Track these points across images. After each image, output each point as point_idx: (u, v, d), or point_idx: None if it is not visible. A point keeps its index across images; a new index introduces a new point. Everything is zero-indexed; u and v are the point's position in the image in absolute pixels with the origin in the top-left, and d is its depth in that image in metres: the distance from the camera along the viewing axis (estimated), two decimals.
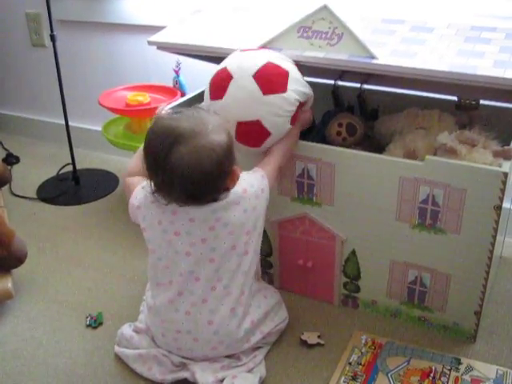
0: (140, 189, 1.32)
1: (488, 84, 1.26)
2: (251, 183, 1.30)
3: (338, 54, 1.38)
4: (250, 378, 1.31)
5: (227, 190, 1.25)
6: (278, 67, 1.32)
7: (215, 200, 1.24)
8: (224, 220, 1.25)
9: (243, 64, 1.33)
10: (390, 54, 1.36)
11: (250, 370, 1.34)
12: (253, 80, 1.30)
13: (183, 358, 1.35)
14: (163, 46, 1.61)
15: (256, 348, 1.39)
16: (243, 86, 1.30)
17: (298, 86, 1.34)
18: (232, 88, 1.31)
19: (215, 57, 1.54)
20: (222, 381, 1.30)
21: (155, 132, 1.20)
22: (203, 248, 1.27)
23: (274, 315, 1.43)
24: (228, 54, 1.44)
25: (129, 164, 1.46)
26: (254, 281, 1.38)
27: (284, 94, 1.30)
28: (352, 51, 1.37)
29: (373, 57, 1.34)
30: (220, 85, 1.33)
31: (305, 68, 1.45)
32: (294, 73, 1.34)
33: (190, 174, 1.17)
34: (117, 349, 1.43)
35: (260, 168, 1.34)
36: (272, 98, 1.30)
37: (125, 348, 1.42)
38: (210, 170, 1.18)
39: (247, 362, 1.35)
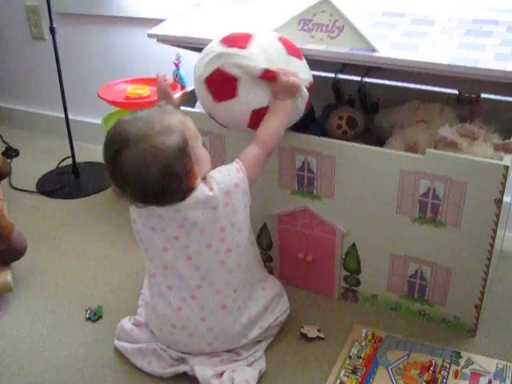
0: None
1: (489, 77, 1.25)
2: (221, 180, 1.25)
3: (339, 47, 1.37)
4: (250, 372, 1.31)
5: (190, 189, 1.21)
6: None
7: (180, 200, 1.21)
8: (192, 219, 1.23)
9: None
10: (390, 46, 1.35)
11: (249, 364, 1.34)
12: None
13: (181, 352, 1.35)
14: (163, 39, 1.60)
15: (256, 342, 1.39)
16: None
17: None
18: None
19: None
20: (221, 374, 1.30)
21: (107, 137, 1.20)
22: (177, 245, 1.26)
23: (274, 308, 1.42)
24: None
25: None
26: (251, 275, 1.37)
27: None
28: (353, 44, 1.36)
29: (373, 50, 1.34)
30: None
31: (306, 58, 1.45)
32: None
33: (136, 178, 1.16)
34: (116, 342, 1.43)
35: (239, 159, 1.30)
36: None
37: (124, 342, 1.42)
38: (157, 173, 1.15)
39: (247, 356, 1.35)
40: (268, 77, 1.27)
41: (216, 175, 1.27)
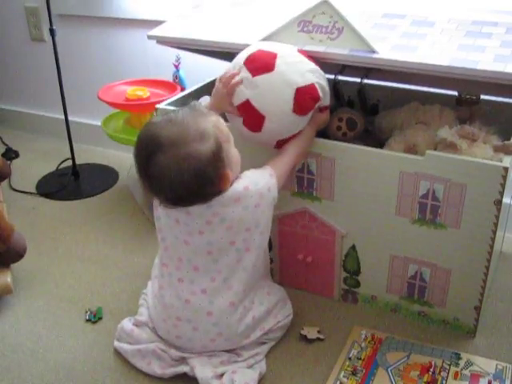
0: None
1: (489, 79, 1.25)
2: (256, 181, 1.28)
3: (339, 49, 1.37)
4: (250, 374, 1.31)
5: (220, 192, 1.23)
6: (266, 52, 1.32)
7: (209, 200, 1.23)
8: (221, 215, 1.25)
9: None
10: (390, 48, 1.35)
11: (249, 366, 1.34)
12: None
13: (182, 351, 1.35)
14: (163, 40, 1.60)
15: (258, 344, 1.39)
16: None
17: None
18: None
19: (215, 51, 1.54)
20: (221, 376, 1.30)
21: (139, 140, 1.21)
22: (200, 240, 1.27)
23: (277, 312, 1.42)
24: (227, 48, 1.45)
25: None
26: (259, 278, 1.38)
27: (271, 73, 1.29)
28: (352, 45, 1.36)
29: (373, 51, 1.34)
30: None
31: None
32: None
33: (169, 184, 1.17)
34: (116, 344, 1.43)
35: (270, 166, 1.33)
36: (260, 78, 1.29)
37: (125, 343, 1.41)
38: (190, 179, 1.16)
39: (247, 358, 1.35)
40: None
41: (252, 175, 1.29)
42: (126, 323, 1.44)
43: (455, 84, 1.45)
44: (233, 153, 1.26)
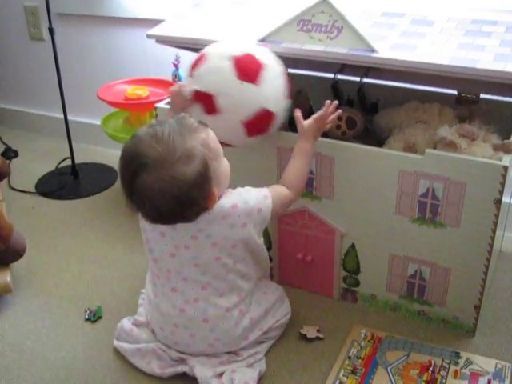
0: None
1: (488, 78, 1.25)
2: (246, 200, 1.25)
3: (338, 48, 1.37)
4: (249, 373, 1.31)
5: (206, 209, 1.20)
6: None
7: (191, 220, 1.20)
8: (206, 232, 1.23)
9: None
10: (390, 47, 1.35)
11: (249, 365, 1.34)
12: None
13: (181, 353, 1.35)
14: (162, 40, 1.60)
15: (257, 343, 1.39)
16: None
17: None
18: None
19: None
20: (220, 375, 1.30)
21: (124, 156, 1.16)
22: (186, 254, 1.26)
23: (275, 312, 1.42)
24: None
25: None
26: (255, 283, 1.37)
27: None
28: (352, 44, 1.36)
29: (373, 50, 1.34)
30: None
31: (304, 61, 1.45)
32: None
33: (152, 203, 1.14)
34: (116, 343, 1.43)
35: (268, 188, 1.30)
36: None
37: (124, 342, 1.41)
38: (173, 202, 1.13)
39: (247, 357, 1.35)
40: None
41: (244, 193, 1.26)
42: (126, 323, 1.44)
43: (455, 83, 1.45)
44: (222, 168, 1.22)
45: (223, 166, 1.23)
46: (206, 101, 1.29)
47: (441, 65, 1.28)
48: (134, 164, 1.13)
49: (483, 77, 1.25)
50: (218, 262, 1.27)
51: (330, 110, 1.36)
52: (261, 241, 1.33)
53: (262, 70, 1.29)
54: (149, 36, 1.60)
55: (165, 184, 1.11)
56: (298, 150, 1.35)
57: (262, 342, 1.40)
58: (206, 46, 1.42)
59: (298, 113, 1.35)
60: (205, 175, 1.14)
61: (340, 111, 1.39)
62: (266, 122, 1.33)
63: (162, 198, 1.12)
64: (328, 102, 1.37)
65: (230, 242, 1.25)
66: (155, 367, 1.34)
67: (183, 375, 1.33)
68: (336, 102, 1.37)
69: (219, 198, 1.23)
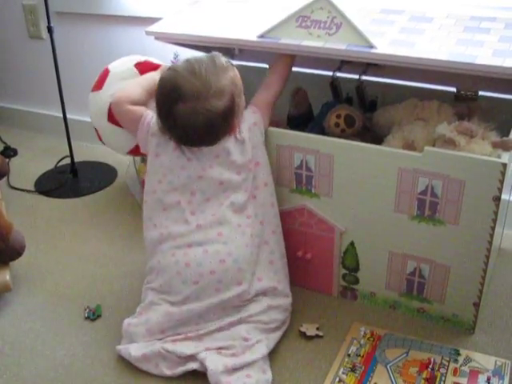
0: (152, 118, 1.46)
1: (487, 73, 1.25)
2: (245, 120, 1.43)
3: (337, 44, 1.37)
4: (263, 381, 1.30)
5: (227, 135, 1.40)
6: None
7: (214, 144, 1.39)
8: (227, 149, 1.39)
9: None
10: (388, 43, 1.35)
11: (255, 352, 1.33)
12: None
13: (185, 346, 1.34)
14: (161, 36, 1.60)
15: (262, 330, 1.38)
16: None
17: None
18: None
19: (213, 47, 1.54)
20: (232, 370, 1.29)
21: (163, 85, 1.36)
22: (212, 172, 1.40)
23: (279, 279, 1.45)
24: (225, 44, 1.48)
25: (127, 89, 1.54)
26: (269, 222, 1.46)
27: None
28: (351, 41, 1.36)
29: (371, 46, 1.33)
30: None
31: (303, 58, 1.45)
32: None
33: (186, 129, 1.35)
34: (120, 348, 1.39)
35: (252, 104, 1.47)
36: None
37: (128, 344, 1.39)
38: (205, 129, 1.34)
39: (255, 342, 1.34)
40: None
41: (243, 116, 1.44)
42: (127, 321, 1.43)
43: (453, 80, 1.45)
44: (242, 103, 1.41)
45: (243, 101, 1.42)
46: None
47: (440, 60, 1.28)
48: (173, 94, 1.33)
49: (482, 72, 1.25)
50: (238, 176, 1.40)
51: None
52: (266, 158, 1.46)
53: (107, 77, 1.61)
54: (148, 33, 1.60)
55: (199, 115, 1.32)
56: (276, 64, 1.53)
57: (266, 330, 1.39)
58: (204, 42, 1.44)
59: None
60: (232, 109, 1.36)
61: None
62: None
63: (195, 126, 1.34)
64: None
65: (244, 156, 1.41)
66: (164, 369, 1.33)
67: (189, 375, 1.33)
68: None
69: None
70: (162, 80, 1.37)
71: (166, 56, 2.07)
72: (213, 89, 1.32)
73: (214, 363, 1.29)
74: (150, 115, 1.47)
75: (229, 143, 1.40)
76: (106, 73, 1.64)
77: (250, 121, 1.44)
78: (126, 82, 1.56)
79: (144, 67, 1.60)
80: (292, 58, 1.51)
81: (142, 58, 1.64)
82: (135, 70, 1.61)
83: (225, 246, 1.36)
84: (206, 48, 1.60)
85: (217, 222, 1.38)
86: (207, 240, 1.37)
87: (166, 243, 1.40)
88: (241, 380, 1.27)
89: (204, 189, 1.41)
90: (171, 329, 1.37)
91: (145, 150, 1.50)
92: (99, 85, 1.63)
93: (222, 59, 1.38)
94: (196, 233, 1.38)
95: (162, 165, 1.43)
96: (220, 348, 1.34)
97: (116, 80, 1.60)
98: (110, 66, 1.66)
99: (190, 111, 1.32)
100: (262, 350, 1.34)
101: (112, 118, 1.58)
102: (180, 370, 1.33)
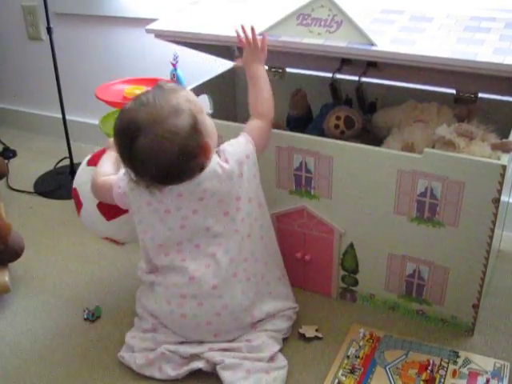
0: (120, 178, 1.36)
1: (488, 71, 1.24)
2: (233, 152, 1.31)
3: (338, 42, 1.36)
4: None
5: (203, 166, 1.27)
6: None
7: (198, 173, 1.27)
8: (211, 190, 1.28)
9: None
10: (389, 41, 1.34)
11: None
12: None
13: (190, 345, 1.35)
14: (161, 34, 1.59)
15: (267, 337, 1.37)
16: None
17: None
18: None
19: (213, 46, 1.54)
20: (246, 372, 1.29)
21: (117, 128, 1.24)
22: (196, 219, 1.30)
23: (280, 300, 1.44)
24: (226, 42, 1.49)
25: (98, 170, 1.46)
26: (263, 248, 1.40)
27: None
28: (351, 38, 1.35)
29: (372, 44, 1.33)
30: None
31: (303, 58, 1.44)
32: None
33: (154, 163, 1.22)
34: (122, 355, 1.39)
35: (246, 132, 1.37)
36: None
37: (131, 353, 1.38)
38: (173, 156, 1.21)
39: (260, 342, 1.34)
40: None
41: (228, 148, 1.32)
42: (129, 335, 1.42)
43: (453, 81, 1.45)
44: (208, 123, 1.29)
45: (209, 121, 1.31)
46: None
47: (441, 58, 1.27)
48: (129, 131, 1.21)
49: (483, 70, 1.24)
50: (226, 218, 1.31)
51: (254, 39, 1.39)
52: (258, 190, 1.39)
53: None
54: (148, 30, 1.59)
55: (161, 140, 1.20)
56: (249, 78, 1.42)
57: (269, 336, 1.38)
58: (204, 40, 1.46)
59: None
60: (195, 126, 1.23)
61: None
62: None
63: (163, 155, 1.21)
64: (252, 28, 1.40)
65: (233, 194, 1.31)
66: (168, 371, 1.32)
67: (191, 376, 1.33)
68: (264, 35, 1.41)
69: (212, 154, 1.29)
70: (116, 124, 1.25)
71: (166, 57, 2.07)
72: (166, 109, 1.21)
73: (221, 358, 1.30)
74: (122, 175, 1.37)
75: (211, 181, 1.28)
76: (75, 193, 1.56)
77: (242, 153, 1.32)
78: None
79: (95, 158, 1.53)
80: (263, 64, 1.42)
81: (88, 156, 1.58)
82: (90, 167, 1.52)
83: (220, 300, 1.32)
84: (206, 48, 1.60)
85: (211, 275, 1.31)
86: (201, 293, 1.31)
87: (160, 287, 1.36)
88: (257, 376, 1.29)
89: (190, 237, 1.32)
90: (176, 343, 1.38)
91: (125, 207, 1.40)
92: (79, 207, 1.56)
93: (170, 84, 1.30)
94: (189, 285, 1.31)
95: (141, 222, 1.35)
96: (224, 349, 1.34)
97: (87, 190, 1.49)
98: (75, 185, 1.57)
99: (152, 141, 1.19)
100: (272, 348, 1.35)
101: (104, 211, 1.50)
102: (185, 369, 1.32)
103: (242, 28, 1.40)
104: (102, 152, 1.49)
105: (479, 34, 1.34)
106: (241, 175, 1.31)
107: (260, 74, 1.40)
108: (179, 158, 1.21)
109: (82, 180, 1.53)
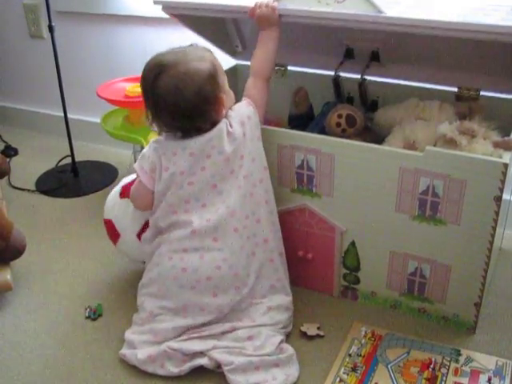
0: (139, 162, 1.43)
1: (498, 35, 1.23)
2: (235, 115, 1.41)
3: (346, 11, 1.36)
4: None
5: (215, 120, 1.37)
6: None
7: (208, 129, 1.37)
8: (218, 148, 1.36)
9: None
10: (398, 13, 1.34)
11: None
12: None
13: (191, 343, 1.34)
14: (168, 6, 1.59)
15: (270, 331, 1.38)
16: None
17: None
18: None
19: (217, 34, 1.52)
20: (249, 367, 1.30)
21: (145, 67, 1.37)
22: (203, 175, 1.37)
23: (278, 293, 1.44)
24: (234, 12, 1.52)
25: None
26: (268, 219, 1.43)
27: None
28: (360, 9, 1.34)
29: (380, 11, 1.32)
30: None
31: (306, 54, 1.42)
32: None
33: (172, 98, 1.33)
34: (124, 352, 1.39)
35: (245, 96, 1.47)
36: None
37: (132, 349, 1.38)
38: (190, 93, 1.32)
39: (263, 340, 1.35)
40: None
41: (231, 113, 1.42)
42: (129, 332, 1.42)
43: (455, 79, 1.45)
44: (226, 88, 1.41)
45: (227, 86, 1.42)
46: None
47: (451, 22, 1.26)
48: (154, 69, 1.34)
49: (492, 34, 1.23)
50: (231, 176, 1.38)
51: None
52: (261, 151, 1.44)
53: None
54: (155, 2, 1.60)
55: (182, 77, 1.32)
56: (260, 39, 1.49)
57: (269, 329, 1.38)
58: (212, 11, 1.50)
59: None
60: (214, 75, 1.36)
61: None
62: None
63: (182, 91, 1.32)
64: None
65: (238, 153, 1.38)
66: (171, 367, 1.33)
67: (194, 373, 1.33)
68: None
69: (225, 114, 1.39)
70: (145, 66, 1.37)
71: None
72: (191, 55, 1.35)
73: (228, 359, 1.30)
74: (139, 159, 1.45)
75: (219, 139, 1.36)
76: (111, 225, 1.59)
77: (243, 114, 1.41)
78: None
79: (127, 189, 1.54)
80: (278, 31, 1.46)
81: (118, 188, 1.61)
82: (125, 200, 1.55)
83: (220, 253, 1.35)
84: (211, 32, 1.61)
85: (212, 228, 1.36)
86: (202, 246, 1.36)
87: (165, 246, 1.40)
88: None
89: (197, 196, 1.38)
90: (176, 336, 1.37)
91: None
92: (115, 237, 1.60)
93: (203, 46, 1.44)
94: (191, 239, 1.36)
95: (158, 190, 1.40)
96: (227, 348, 1.34)
97: (125, 223, 1.56)
98: (110, 217, 1.60)
99: (172, 78, 1.32)
100: (274, 340, 1.35)
101: None
102: (187, 366, 1.32)
103: None
104: (132, 183, 1.51)
105: (488, 11, 1.33)
106: (243, 135, 1.39)
107: (274, 35, 1.47)
108: (196, 98, 1.32)
109: (118, 213, 1.58)
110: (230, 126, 1.38)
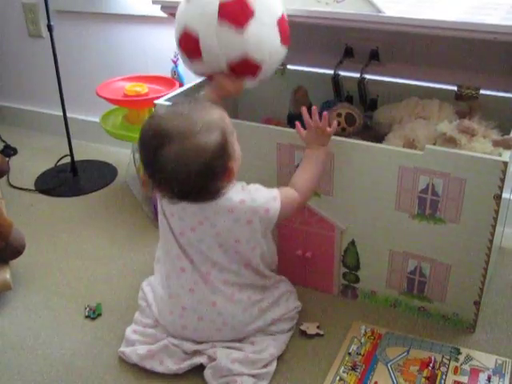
0: None
1: (497, 34, 1.23)
2: (255, 198, 1.27)
3: (345, 10, 1.36)
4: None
5: (220, 191, 1.24)
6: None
7: (214, 198, 1.24)
8: (212, 221, 1.27)
9: None
10: (397, 13, 1.34)
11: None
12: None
13: (194, 343, 1.35)
14: (167, 5, 1.59)
15: (268, 336, 1.38)
16: None
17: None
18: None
19: None
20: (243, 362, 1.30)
21: (145, 132, 1.20)
22: (192, 235, 1.29)
23: (283, 303, 1.43)
24: None
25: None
26: (263, 269, 1.38)
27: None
28: (359, 8, 1.34)
29: (380, 11, 1.32)
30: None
31: (306, 54, 1.42)
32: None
33: (177, 175, 1.17)
34: (123, 350, 1.38)
35: (279, 190, 1.32)
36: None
37: (131, 347, 1.38)
38: (197, 172, 1.17)
39: (264, 346, 1.35)
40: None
41: (254, 191, 1.29)
42: (130, 329, 1.42)
43: (454, 78, 1.45)
44: (236, 147, 1.26)
45: (237, 145, 1.27)
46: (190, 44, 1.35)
47: (448, 22, 1.26)
48: (157, 138, 1.17)
49: (492, 33, 1.23)
50: (220, 249, 1.30)
51: (322, 123, 1.33)
52: (266, 239, 1.35)
53: (249, 18, 1.29)
54: (154, 2, 1.59)
55: (190, 153, 1.16)
56: (305, 155, 1.38)
57: (272, 335, 1.39)
58: None
59: (299, 125, 1.37)
60: (225, 146, 1.19)
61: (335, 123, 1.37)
62: (251, 71, 1.35)
63: (187, 168, 1.16)
64: (314, 109, 1.33)
65: (232, 235, 1.28)
66: (170, 364, 1.32)
67: (193, 372, 1.33)
68: (325, 113, 1.34)
69: (231, 185, 1.26)
70: (144, 128, 1.21)
71: (167, 55, 2.08)
72: (199, 124, 1.17)
73: (225, 354, 1.30)
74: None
75: (215, 215, 1.26)
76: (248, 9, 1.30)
77: (263, 205, 1.28)
78: None
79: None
80: (325, 146, 1.36)
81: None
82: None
83: (220, 317, 1.32)
84: None
85: (209, 291, 1.31)
86: (201, 309, 1.31)
87: (165, 293, 1.37)
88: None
89: (186, 248, 1.32)
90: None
91: None
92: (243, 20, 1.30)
93: (205, 100, 1.28)
94: (190, 298, 1.32)
95: (160, 212, 1.36)
96: (228, 347, 1.34)
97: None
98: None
99: (178, 152, 1.15)
100: (271, 350, 1.35)
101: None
102: (186, 364, 1.32)
103: (306, 111, 1.35)
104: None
105: (487, 10, 1.34)
106: (250, 222, 1.27)
107: (320, 158, 1.36)
108: (201, 176, 1.18)
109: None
110: (242, 202, 1.26)
